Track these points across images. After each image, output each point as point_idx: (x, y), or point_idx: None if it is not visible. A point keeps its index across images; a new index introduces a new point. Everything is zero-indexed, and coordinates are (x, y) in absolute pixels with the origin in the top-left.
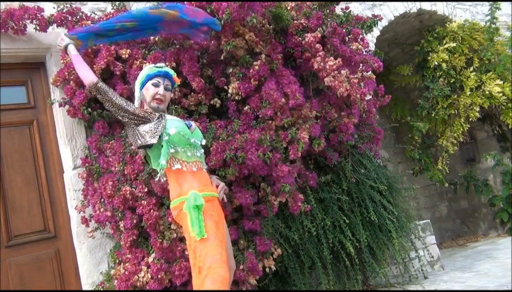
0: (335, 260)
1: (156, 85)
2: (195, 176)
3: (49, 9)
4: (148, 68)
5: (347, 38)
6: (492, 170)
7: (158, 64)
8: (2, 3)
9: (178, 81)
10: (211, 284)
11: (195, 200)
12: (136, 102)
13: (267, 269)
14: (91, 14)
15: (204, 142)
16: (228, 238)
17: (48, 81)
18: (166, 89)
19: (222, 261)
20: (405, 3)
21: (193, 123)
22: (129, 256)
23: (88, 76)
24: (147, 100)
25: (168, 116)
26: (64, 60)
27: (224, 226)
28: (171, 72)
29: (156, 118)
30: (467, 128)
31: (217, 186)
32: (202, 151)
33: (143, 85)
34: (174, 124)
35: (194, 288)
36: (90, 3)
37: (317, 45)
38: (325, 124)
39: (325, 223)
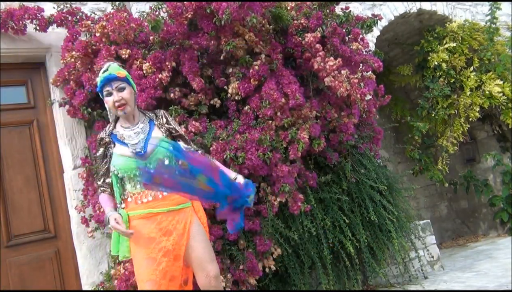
0: (335, 260)
1: (108, 94)
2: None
3: (49, 9)
4: (98, 79)
5: (347, 38)
6: (492, 170)
7: (102, 69)
8: (2, 3)
9: (123, 75)
10: None
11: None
12: (109, 113)
13: (267, 269)
14: (91, 14)
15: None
16: (205, 246)
17: (48, 81)
18: (120, 90)
19: (139, 280)
20: (405, 3)
21: (149, 147)
22: None
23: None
24: (112, 112)
25: (115, 150)
26: (64, 60)
27: (172, 240)
28: (113, 72)
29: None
30: (467, 128)
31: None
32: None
33: (103, 98)
34: (116, 161)
35: None
36: (90, 3)
37: (317, 45)
38: (325, 124)
39: (325, 223)
